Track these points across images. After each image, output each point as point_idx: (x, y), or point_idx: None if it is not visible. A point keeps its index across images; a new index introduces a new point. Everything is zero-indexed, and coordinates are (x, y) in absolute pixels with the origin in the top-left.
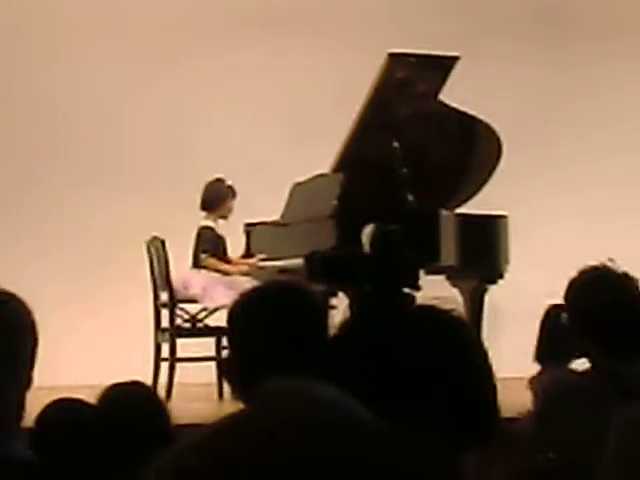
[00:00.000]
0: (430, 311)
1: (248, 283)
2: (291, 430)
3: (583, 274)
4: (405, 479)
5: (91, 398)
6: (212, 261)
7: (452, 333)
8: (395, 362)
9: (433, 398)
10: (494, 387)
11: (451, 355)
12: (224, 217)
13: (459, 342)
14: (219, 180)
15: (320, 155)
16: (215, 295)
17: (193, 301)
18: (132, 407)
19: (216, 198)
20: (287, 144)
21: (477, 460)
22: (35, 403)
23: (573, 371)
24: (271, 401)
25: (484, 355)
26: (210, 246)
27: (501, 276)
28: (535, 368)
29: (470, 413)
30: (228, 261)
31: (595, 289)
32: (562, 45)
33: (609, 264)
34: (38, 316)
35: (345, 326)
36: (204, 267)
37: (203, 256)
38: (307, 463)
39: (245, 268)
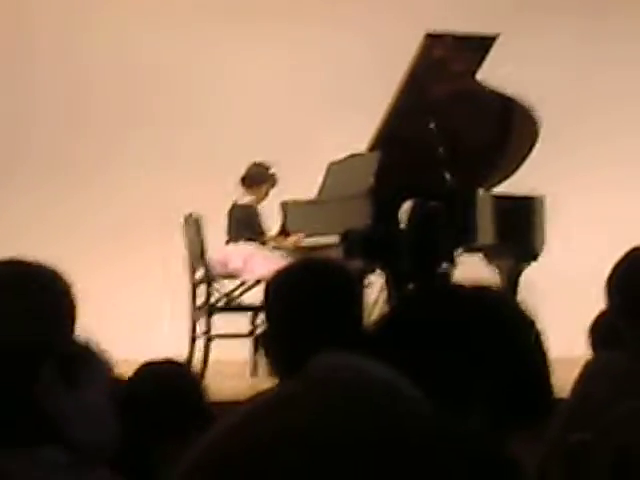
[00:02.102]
0: (481, 290)
1: (284, 259)
2: (344, 409)
3: (628, 257)
4: (455, 465)
5: (124, 373)
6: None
7: (505, 312)
8: (444, 341)
9: (484, 378)
10: (548, 367)
11: (503, 334)
12: (258, 200)
13: (511, 321)
14: (261, 165)
15: (356, 133)
16: (255, 267)
17: (230, 277)
18: (167, 384)
19: (253, 178)
20: (322, 121)
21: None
22: None
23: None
24: (322, 378)
25: (537, 334)
26: (259, 225)
27: (537, 256)
28: (567, 349)
29: (523, 393)
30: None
31: None
32: (599, 18)
33: None
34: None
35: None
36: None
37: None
38: (359, 443)
39: (300, 238)
